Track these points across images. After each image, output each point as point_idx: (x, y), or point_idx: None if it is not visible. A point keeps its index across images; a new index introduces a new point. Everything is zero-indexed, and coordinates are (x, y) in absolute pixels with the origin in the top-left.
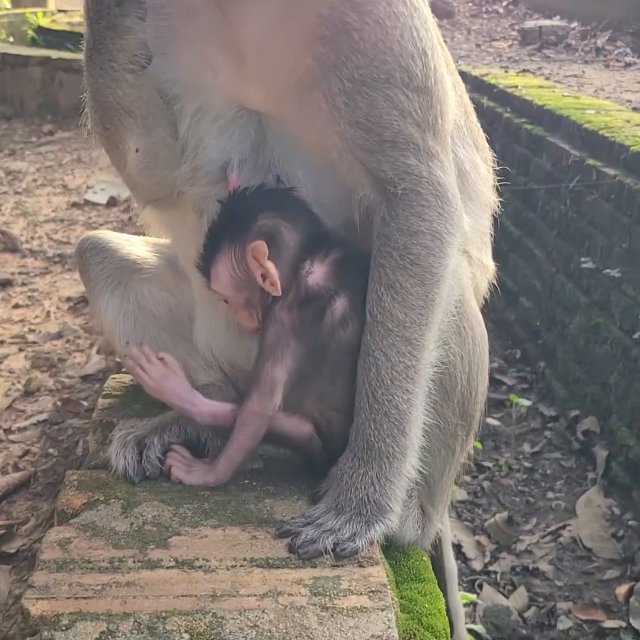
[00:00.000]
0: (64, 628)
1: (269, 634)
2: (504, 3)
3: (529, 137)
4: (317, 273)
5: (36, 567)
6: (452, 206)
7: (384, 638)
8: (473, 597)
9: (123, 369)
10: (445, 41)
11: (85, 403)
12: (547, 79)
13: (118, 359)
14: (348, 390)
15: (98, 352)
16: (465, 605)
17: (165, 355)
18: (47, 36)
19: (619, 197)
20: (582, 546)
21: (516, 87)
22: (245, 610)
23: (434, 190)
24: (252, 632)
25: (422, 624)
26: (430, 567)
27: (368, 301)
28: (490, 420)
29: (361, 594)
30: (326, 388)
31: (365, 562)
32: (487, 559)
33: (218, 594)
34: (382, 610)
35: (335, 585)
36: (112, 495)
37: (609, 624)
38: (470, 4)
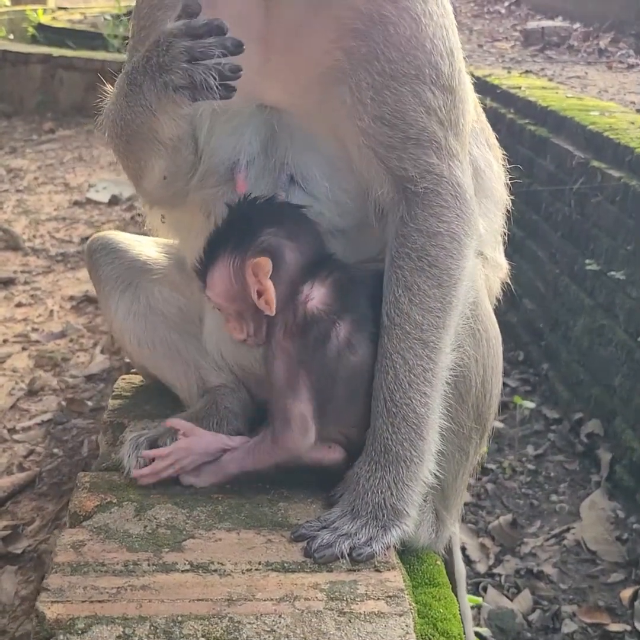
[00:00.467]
0: (79, 632)
1: (286, 639)
2: (506, 3)
3: (532, 138)
4: (316, 297)
5: (50, 570)
6: (470, 208)
7: None
8: (479, 600)
9: (133, 370)
10: None
11: (89, 403)
12: (550, 80)
13: (127, 360)
14: (365, 407)
15: (102, 351)
16: (471, 608)
17: (174, 421)
18: (48, 33)
19: (624, 199)
20: (587, 549)
21: (519, 88)
22: (262, 614)
23: (453, 190)
24: (269, 637)
25: (437, 629)
26: (444, 571)
27: (384, 303)
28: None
29: (378, 599)
30: (344, 411)
31: (381, 567)
32: (491, 562)
33: (234, 598)
34: (400, 615)
35: (352, 590)
36: (124, 498)
37: (614, 627)
38: (472, 4)
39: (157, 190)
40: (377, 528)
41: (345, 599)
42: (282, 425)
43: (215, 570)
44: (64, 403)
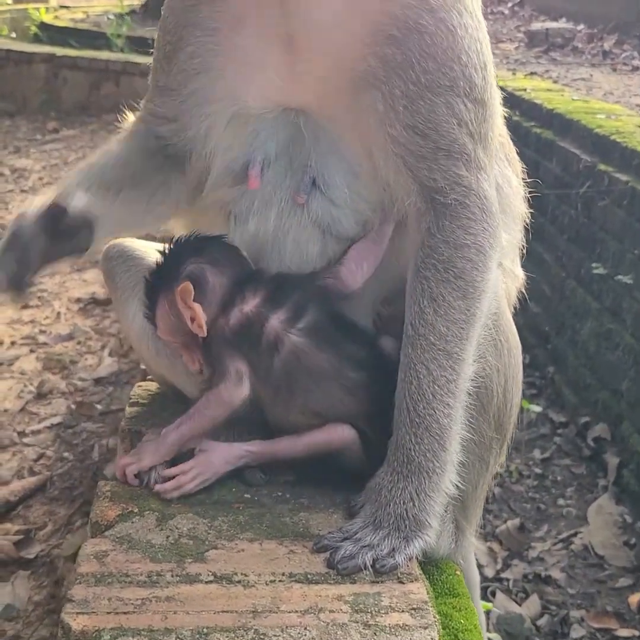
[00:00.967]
0: None
1: None
2: (510, 4)
3: (538, 141)
4: (247, 306)
5: (74, 580)
6: (495, 221)
7: None
8: (490, 605)
9: (148, 377)
10: None
11: (99, 406)
12: (555, 82)
13: (142, 366)
14: (325, 392)
15: (110, 354)
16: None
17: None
18: (50, 32)
19: (631, 203)
20: (594, 554)
21: (525, 90)
22: (287, 627)
23: (480, 203)
24: None
25: None
26: (463, 582)
27: (408, 314)
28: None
29: (403, 611)
30: (308, 398)
31: (404, 578)
32: (499, 566)
33: (259, 610)
34: (425, 628)
35: (376, 602)
36: (146, 507)
37: (623, 632)
38: None
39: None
40: (400, 539)
41: (369, 611)
42: (219, 377)
43: (239, 582)
44: (73, 406)
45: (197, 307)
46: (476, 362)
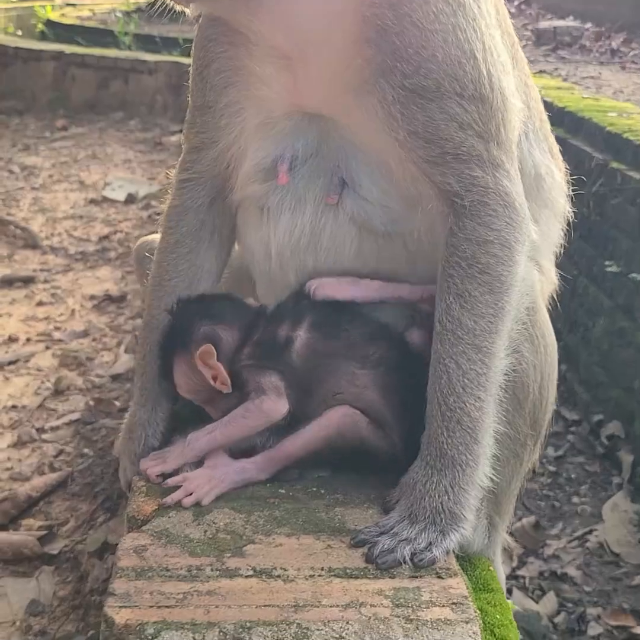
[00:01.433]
0: (150, 637)
1: None
2: (517, 3)
3: None
4: (258, 336)
5: (114, 574)
6: (520, 215)
7: None
8: (511, 603)
9: None
10: None
11: (117, 403)
12: (564, 80)
13: None
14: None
15: (126, 351)
16: None
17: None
18: (57, 30)
19: None
20: (610, 551)
21: None
22: (329, 621)
23: (501, 200)
24: None
25: (495, 636)
26: (497, 577)
27: (437, 311)
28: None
29: (443, 605)
30: (331, 382)
31: (443, 573)
32: (514, 564)
33: (300, 604)
34: (466, 622)
35: (416, 597)
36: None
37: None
38: None
39: None
40: (436, 533)
41: (410, 605)
42: (258, 393)
43: (279, 576)
44: (91, 403)
45: (219, 366)
46: (509, 356)
